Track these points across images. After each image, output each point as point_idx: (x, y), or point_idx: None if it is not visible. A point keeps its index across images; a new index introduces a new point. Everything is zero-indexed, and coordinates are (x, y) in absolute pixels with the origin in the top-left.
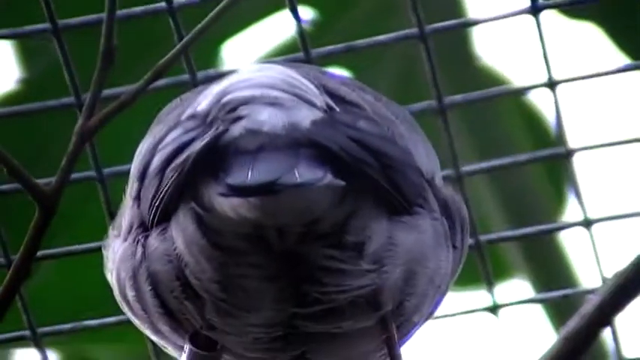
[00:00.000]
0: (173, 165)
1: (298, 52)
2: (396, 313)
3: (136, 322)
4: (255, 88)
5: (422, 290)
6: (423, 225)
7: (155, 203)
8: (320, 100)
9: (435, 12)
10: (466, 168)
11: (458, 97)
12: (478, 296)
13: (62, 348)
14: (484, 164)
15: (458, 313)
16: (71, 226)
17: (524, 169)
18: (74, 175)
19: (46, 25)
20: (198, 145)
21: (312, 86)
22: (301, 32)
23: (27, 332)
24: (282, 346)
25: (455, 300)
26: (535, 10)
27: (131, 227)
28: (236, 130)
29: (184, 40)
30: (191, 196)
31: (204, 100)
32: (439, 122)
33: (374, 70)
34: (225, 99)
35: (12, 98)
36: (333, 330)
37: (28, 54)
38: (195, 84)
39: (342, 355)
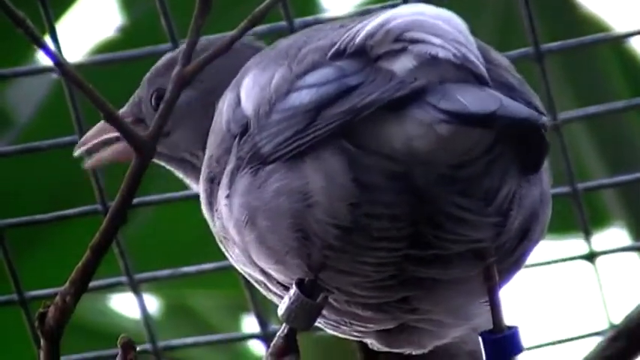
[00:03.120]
0: (348, 107)
1: None
2: (503, 262)
3: (249, 254)
4: (417, 16)
5: (535, 240)
6: (543, 178)
7: (300, 139)
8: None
9: None
10: (563, 115)
11: (555, 44)
12: (575, 244)
13: (160, 294)
14: (581, 111)
15: (555, 261)
16: (167, 173)
17: (622, 116)
18: None
19: None
20: (386, 94)
21: (463, 26)
22: None
23: (124, 278)
24: (391, 285)
25: (552, 248)
26: None
27: (242, 159)
28: (408, 56)
29: None
30: (341, 133)
31: (352, 35)
32: (537, 69)
33: (472, 17)
34: (387, 27)
35: (111, 45)
36: (439, 276)
37: (128, 1)
38: (293, 31)
39: (445, 302)
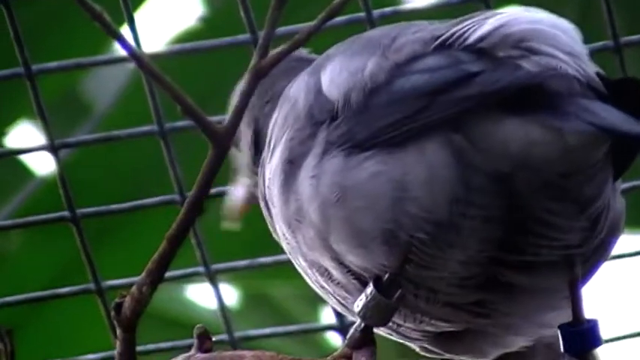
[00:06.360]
0: (477, 91)
1: None
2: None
3: (326, 236)
4: (536, 24)
5: (612, 250)
6: (618, 186)
7: (408, 125)
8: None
9: None
10: None
11: (634, 37)
12: None
13: (237, 284)
14: None
15: (633, 254)
16: None
17: None
18: None
19: None
20: (525, 79)
21: (579, 37)
22: None
23: (201, 268)
24: (471, 285)
25: (629, 241)
26: None
27: (332, 144)
28: (532, 65)
29: None
30: (452, 126)
31: (460, 33)
32: (615, 62)
33: (551, 11)
34: (505, 31)
35: (192, 35)
36: (523, 284)
37: None
38: (372, 22)
39: (523, 308)
